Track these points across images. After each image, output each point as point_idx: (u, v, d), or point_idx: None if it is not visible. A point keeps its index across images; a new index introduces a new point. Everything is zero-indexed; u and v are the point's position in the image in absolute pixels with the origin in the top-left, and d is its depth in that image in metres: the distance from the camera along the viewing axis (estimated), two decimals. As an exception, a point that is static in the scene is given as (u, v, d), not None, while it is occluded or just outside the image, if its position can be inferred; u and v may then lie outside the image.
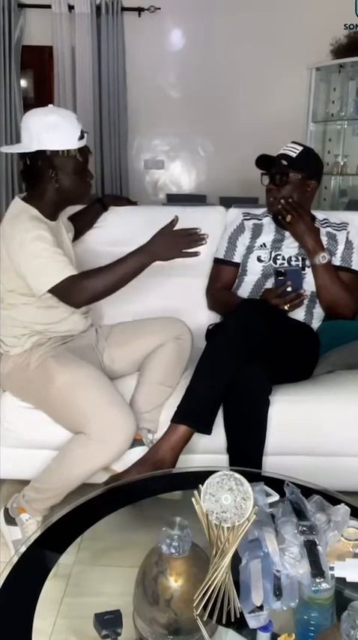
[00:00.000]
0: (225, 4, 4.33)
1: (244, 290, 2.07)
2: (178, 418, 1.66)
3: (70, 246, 1.86)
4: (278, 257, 2.05)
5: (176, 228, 1.68)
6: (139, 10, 4.38)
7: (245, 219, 2.16)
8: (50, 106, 1.74)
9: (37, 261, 1.62)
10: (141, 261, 1.66)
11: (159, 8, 4.38)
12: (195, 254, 1.66)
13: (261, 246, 2.08)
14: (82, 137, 1.69)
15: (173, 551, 0.97)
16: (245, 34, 4.39)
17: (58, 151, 1.66)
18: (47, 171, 1.68)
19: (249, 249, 2.10)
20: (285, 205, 1.99)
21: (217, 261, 2.18)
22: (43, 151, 1.66)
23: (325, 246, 2.03)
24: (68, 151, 1.67)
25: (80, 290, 1.62)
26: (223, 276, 2.15)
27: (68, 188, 1.71)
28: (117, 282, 1.64)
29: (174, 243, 1.65)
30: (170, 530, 0.98)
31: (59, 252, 1.65)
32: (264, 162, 2.04)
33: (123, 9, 4.36)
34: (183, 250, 1.65)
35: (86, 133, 1.72)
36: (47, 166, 1.67)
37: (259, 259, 2.07)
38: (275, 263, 2.04)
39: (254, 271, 2.07)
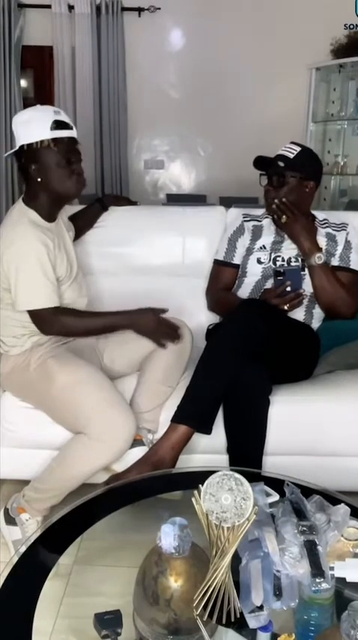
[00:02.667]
0: (225, 4, 4.33)
1: (244, 291, 2.07)
2: (178, 418, 1.66)
3: (70, 246, 1.86)
4: (278, 259, 2.05)
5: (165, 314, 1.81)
6: (139, 10, 4.38)
7: (245, 221, 2.16)
8: (37, 106, 1.74)
9: (28, 277, 1.66)
10: (120, 324, 1.77)
11: (159, 8, 4.38)
12: (165, 346, 1.80)
13: (261, 248, 2.08)
14: (59, 128, 1.66)
15: (173, 550, 0.97)
16: (245, 34, 4.38)
17: (32, 144, 1.66)
18: (30, 167, 1.68)
19: (249, 251, 2.09)
20: (280, 206, 1.99)
21: (217, 263, 2.17)
22: (22, 147, 1.67)
23: (324, 247, 2.02)
24: (41, 142, 1.65)
25: (54, 323, 1.71)
26: (223, 278, 2.15)
27: (53, 182, 1.69)
28: (91, 331, 1.78)
29: (156, 329, 1.77)
30: (169, 526, 0.98)
31: (50, 274, 1.67)
32: (262, 163, 2.04)
33: (123, 9, 4.36)
34: (160, 340, 1.78)
35: (68, 124, 1.68)
36: (29, 162, 1.67)
37: (259, 261, 2.06)
38: (275, 264, 2.04)
39: (254, 273, 2.06)
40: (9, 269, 1.65)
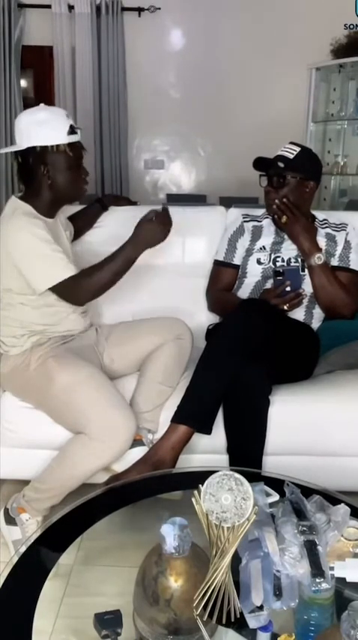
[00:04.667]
0: (225, 4, 4.33)
1: (244, 292, 2.07)
2: (178, 418, 1.66)
3: (68, 245, 1.86)
4: (278, 259, 2.05)
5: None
6: (139, 10, 4.38)
7: (244, 222, 2.16)
8: (41, 104, 1.74)
9: (36, 258, 1.65)
10: (132, 253, 1.70)
11: (159, 8, 4.38)
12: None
13: (261, 248, 2.08)
14: (72, 132, 1.68)
15: (173, 550, 0.97)
16: (245, 34, 4.39)
17: (47, 147, 1.66)
18: (39, 169, 1.68)
19: (249, 252, 2.09)
20: (281, 206, 1.99)
21: (217, 263, 2.17)
22: (34, 148, 1.66)
23: (324, 248, 2.02)
24: (57, 146, 1.66)
25: (81, 290, 1.68)
26: (223, 278, 2.15)
27: (62, 185, 1.71)
28: (113, 278, 1.70)
29: (159, 226, 1.71)
30: (169, 526, 0.98)
31: (58, 249, 1.67)
32: (262, 163, 2.04)
33: (123, 9, 4.36)
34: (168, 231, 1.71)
35: (78, 129, 1.71)
36: (39, 163, 1.67)
37: (259, 262, 2.06)
38: (275, 265, 2.04)
39: (254, 273, 2.06)
40: (14, 259, 1.65)
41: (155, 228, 1.71)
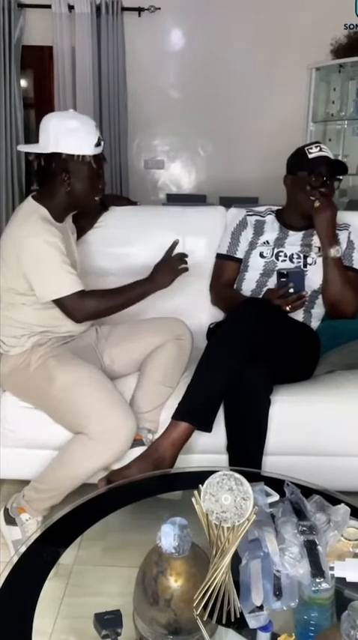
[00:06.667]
0: (225, 4, 4.33)
1: (246, 287, 2.08)
2: (179, 415, 1.66)
3: (74, 248, 1.87)
4: (281, 254, 2.05)
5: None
6: (139, 10, 4.37)
7: (248, 215, 2.17)
8: (71, 110, 1.77)
9: (48, 267, 1.66)
10: (145, 290, 1.78)
11: (159, 8, 4.37)
12: (186, 269, 1.83)
13: (264, 243, 2.09)
14: (98, 144, 1.70)
15: (173, 550, 0.96)
16: (245, 34, 4.38)
17: (73, 155, 1.67)
18: (60, 174, 1.69)
19: (252, 245, 2.10)
20: (323, 191, 1.99)
21: (220, 257, 2.18)
22: (59, 154, 1.67)
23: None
24: (83, 156, 1.68)
25: (83, 308, 1.70)
26: (226, 272, 2.15)
27: (79, 193, 1.72)
28: (119, 307, 1.76)
29: (175, 275, 1.81)
30: (169, 526, 0.98)
31: (68, 261, 1.68)
32: (318, 164, 2.01)
33: (123, 9, 4.35)
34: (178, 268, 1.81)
35: (103, 141, 1.73)
36: (61, 169, 1.68)
37: (261, 255, 2.07)
38: (278, 259, 2.05)
39: (256, 267, 2.07)
40: (23, 263, 1.65)
41: (168, 274, 1.79)
